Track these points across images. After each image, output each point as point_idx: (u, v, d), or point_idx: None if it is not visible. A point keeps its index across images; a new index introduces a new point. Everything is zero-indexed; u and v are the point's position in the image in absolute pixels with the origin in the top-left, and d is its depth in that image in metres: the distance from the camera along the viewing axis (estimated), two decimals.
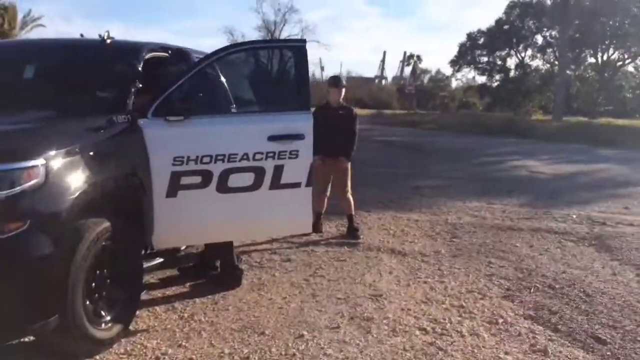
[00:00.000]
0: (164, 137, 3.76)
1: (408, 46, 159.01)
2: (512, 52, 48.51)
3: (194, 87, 3.98)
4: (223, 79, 4.17)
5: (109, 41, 4.22)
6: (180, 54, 4.54)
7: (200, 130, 3.86)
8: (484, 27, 49.13)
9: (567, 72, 42.42)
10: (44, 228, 2.75)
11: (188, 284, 4.50)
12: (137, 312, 3.77)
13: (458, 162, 14.36)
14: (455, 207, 8.04)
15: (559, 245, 6.11)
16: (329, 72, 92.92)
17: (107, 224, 3.19)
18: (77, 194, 2.92)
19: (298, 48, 4.20)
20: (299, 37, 59.95)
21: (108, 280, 3.32)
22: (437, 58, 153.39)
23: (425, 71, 79.73)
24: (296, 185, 4.13)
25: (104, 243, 3.19)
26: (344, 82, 6.15)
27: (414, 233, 6.47)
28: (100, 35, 4.24)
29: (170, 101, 3.81)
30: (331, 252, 5.54)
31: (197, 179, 3.84)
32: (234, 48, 4.14)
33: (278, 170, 4.04)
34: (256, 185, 4.01)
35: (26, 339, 3.22)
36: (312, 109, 5.28)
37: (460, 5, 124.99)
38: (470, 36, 50.03)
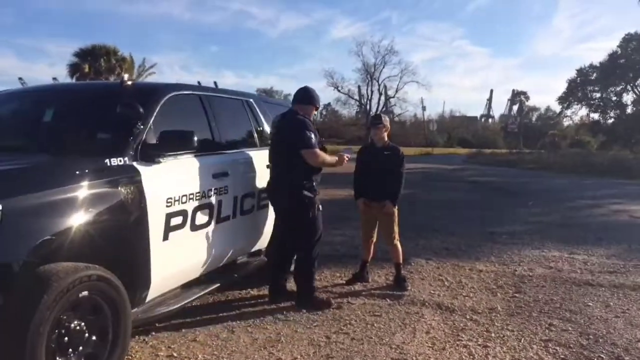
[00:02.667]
0: (159, 177, 3.71)
1: (517, 84, 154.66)
2: (629, 87, 45.39)
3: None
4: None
5: (129, 83, 4.18)
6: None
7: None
8: (595, 62, 46.57)
9: None
10: None
11: (198, 339, 4.24)
12: None
13: (549, 205, 13.10)
14: (529, 257, 7.22)
15: None
16: (431, 112, 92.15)
17: (84, 272, 2.99)
18: (39, 240, 2.76)
19: None
20: (398, 77, 59.94)
21: (87, 335, 3.10)
22: (548, 96, 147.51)
23: (533, 109, 76.94)
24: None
25: (81, 294, 2.99)
26: (385, 121, 5.68)
27: (472, 285, 5.82)
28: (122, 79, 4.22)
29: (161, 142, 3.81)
30: (368, 305, 5.05)
31: (180, 220, 3.94)
32: None
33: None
34: None
35: None
36: (348, 149, 5.14)
37: (569, 42, 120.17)
38: (581, 71, 47.54)
